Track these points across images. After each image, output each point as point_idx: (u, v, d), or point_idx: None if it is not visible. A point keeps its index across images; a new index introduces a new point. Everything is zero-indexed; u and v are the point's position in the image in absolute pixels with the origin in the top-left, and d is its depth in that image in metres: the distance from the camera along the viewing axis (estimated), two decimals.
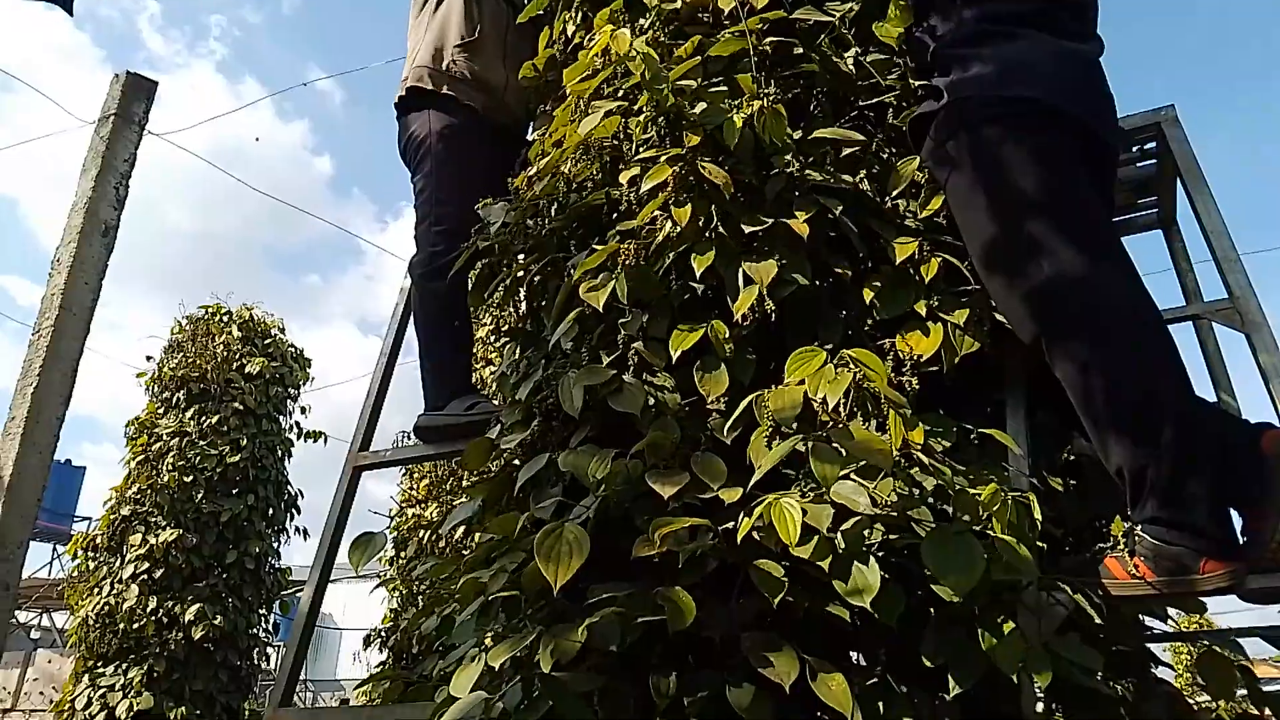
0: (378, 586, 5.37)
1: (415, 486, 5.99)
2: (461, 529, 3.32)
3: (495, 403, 2.17)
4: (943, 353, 1.47)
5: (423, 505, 6.15)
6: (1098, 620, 1.31)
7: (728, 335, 1.52)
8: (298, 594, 9.06)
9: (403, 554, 5.87)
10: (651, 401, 1.55)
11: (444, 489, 5.33)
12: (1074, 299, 1.45)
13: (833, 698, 1.29)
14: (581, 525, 1.37)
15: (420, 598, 5.20)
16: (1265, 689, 1.53)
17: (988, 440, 1.52)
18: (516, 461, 1.75)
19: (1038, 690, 1.38)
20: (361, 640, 4.99)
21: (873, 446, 1.23)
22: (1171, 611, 1.81)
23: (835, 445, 1.25)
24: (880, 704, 1.32)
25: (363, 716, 1.90)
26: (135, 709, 5.45)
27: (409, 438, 5.79)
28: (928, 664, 1.31)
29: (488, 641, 1.50)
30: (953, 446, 1.48)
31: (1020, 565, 1.24)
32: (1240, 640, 1.62)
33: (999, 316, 1.55)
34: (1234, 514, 1.41)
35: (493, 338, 5.35)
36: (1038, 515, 1.29)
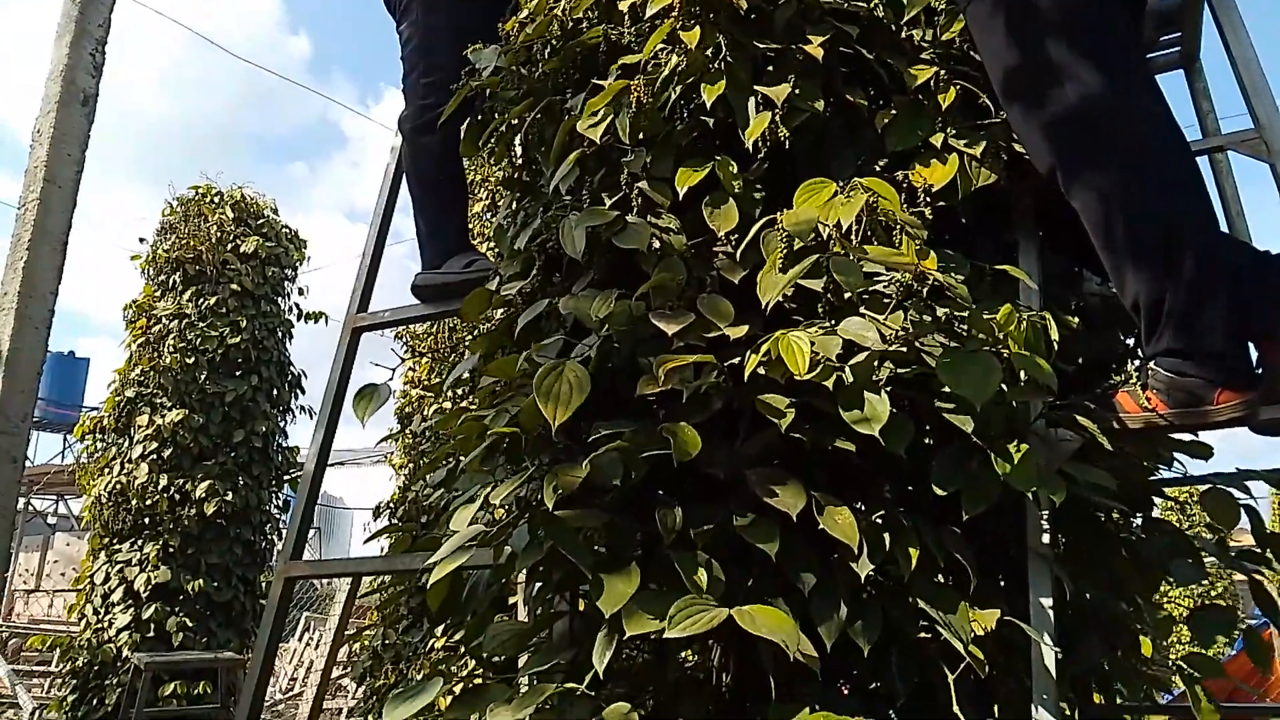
0: (383, 446, 5.43)
1: (418, 366, 6.00)
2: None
3: (492, 260, 2.12)
4: (958, 182, 1.41)
5: (426, 384, 6.18)
6: (1109, 447, 1.30)
7: (736, 171, 1.46)
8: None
9: (408, 431, 5.94)
10: (656, 244, 1.51)
11: (446, 365, 5.34)
12: (1098, 125, 1.39)
13: (839, 531, 1.29)
14: (583, 364, 1.34)
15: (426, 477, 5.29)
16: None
17: (1001, 279, 1.48)
18: (516, 311, 1.72)
19: (1044, 523, 1.39)
20: (371, 513, 5.10)
21: (892, 258, 1.19)
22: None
23: (851, 257, 1.21)
24: (886, 537, 1.32)
25: (369, 565, 1.93)
26: (153, 582, 5.61)
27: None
28: (938, 492, 1.30)
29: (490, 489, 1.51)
30: (965, 283, 1.44)
31: (1039, 377, 1.22)
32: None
33: (1017, 148, 1.48)
34: (1251, 347, 1.38)
35: (487, 215, 5.25)
36: (1054, 335, 1.26)
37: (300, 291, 6.95)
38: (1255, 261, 1.38)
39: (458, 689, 1.46)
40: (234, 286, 6.30)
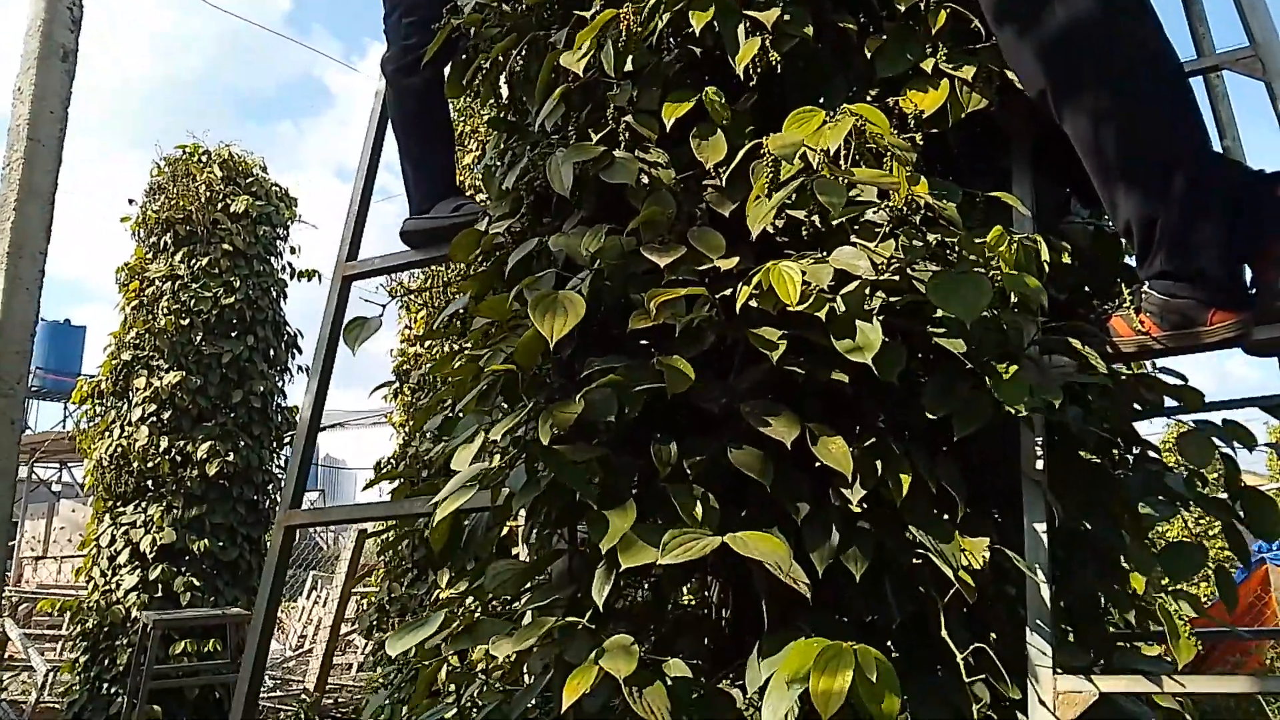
0: (383, 406, 5.44)
1: (413, 322, 5.99)
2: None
3: (480, 203, 2.10)
4: (948, 107, 1.39)
5: (422, 341, 6.17)
6: (1103, 370, 1.30)
7: (724, 101, 1.44)
8: None
9: (405, 388, 5.94)
10: (645, 178, 1.49)
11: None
12: (1089, 46, 1.36)
13: (832, 459, 1.30)
14: (577, 294, 1.33)
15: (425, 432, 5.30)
16: None
17: (993, 205, 1.47)
18: (506, 251, 1.70)
19: (1038, 447, 1.39)
20: (372, 470, 5.12)
21: (879, 179, 1.18)
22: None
23: (837, 180, 1.20)
24: (879, 464, 1.32)
25: (369, 510, 1.94)
26: (158, 543, 5.66)
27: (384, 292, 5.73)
28: (930, 417, 1.30)
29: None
30: (957, 210, 1.43)
31: (1030, 296, 1.21)
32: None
33: (1009, 73, 1.46)
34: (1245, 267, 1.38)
35: (478, 167, 5.20)
36: (1045, 257, 1.25)
37: (292, 250, 6.91)
38: (1250, 181, 1.37)
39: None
40: (226, 246, 6.25)
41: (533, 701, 1.61)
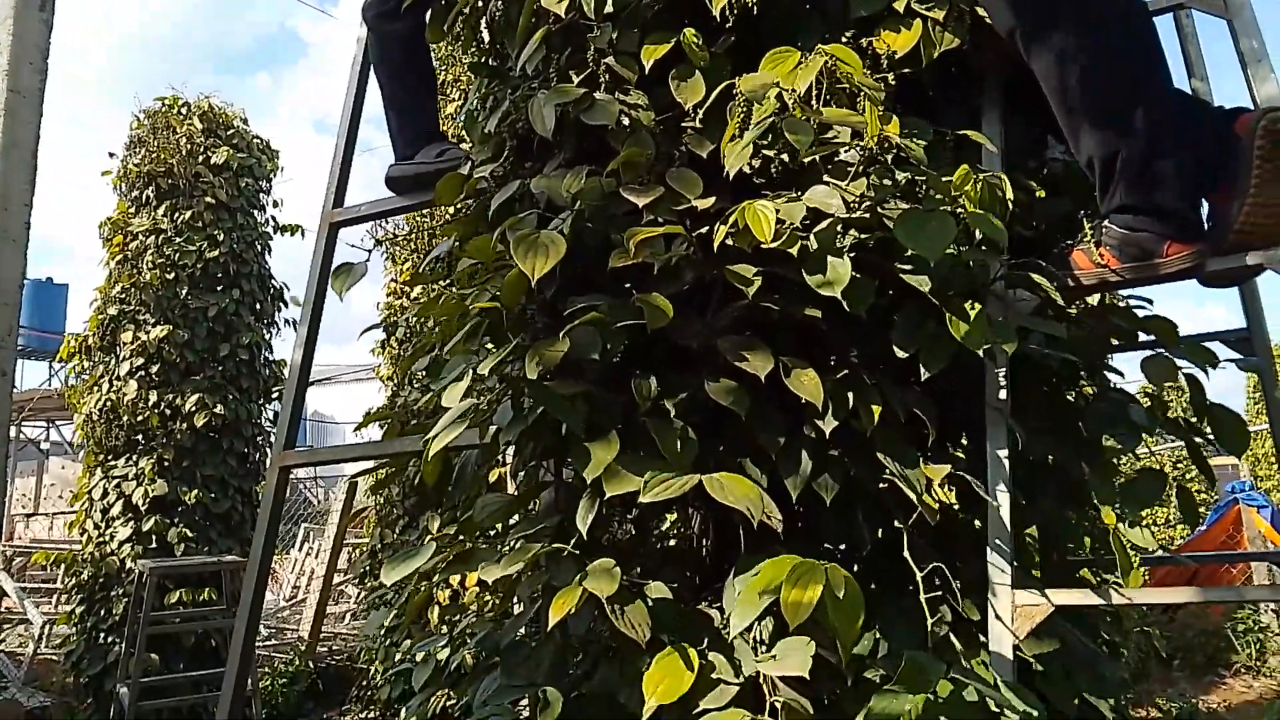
0: (370, 360, 5.47)
1: (399, 274, 6.00)
2: None
3: (464, 148, 2.12)
4: (921, 48, 1.42)
5: (408, 293, 6.18)
6: (1061, 302, 1.35)
7: (702, 43, 1.47)
8: None
9: (393, 340, 5.97)
10: (625, 120, 1.52)
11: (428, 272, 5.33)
12: None
13: (805, 390, 1.35)
14: (559, 234, 1.37)
15: (413, 381, 5.35)
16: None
17: (964, 143, 1.51)
18: (489, 194, 1.74)
19: (1001, 378, 1.45)
20: (361, 416, 5.17)
21: (847, 119, 1.22)
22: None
23: (806, 120, 1.24)
24: (850, 395, 1.38)
25: (360, 450, 1.99)
26: (150, 495, 5.71)
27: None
28: (899, 354, 1.36)
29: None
30: (928, 148, 1.47)
31: (992, 235, 1.26)
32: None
33: (980, 12, 1.49)
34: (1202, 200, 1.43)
35: (460, 115, 5.17)
36: (1009, 195, 1.30)
37: (275, 204, 6.88)
38: (1210, 118, 1.41)
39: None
40: (208, 199, 6.21)
41: (522, 630, 1.68)
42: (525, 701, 1.54)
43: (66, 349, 6.12)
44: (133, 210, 6.15)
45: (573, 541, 1.44)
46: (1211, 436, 1.65)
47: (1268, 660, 8.11)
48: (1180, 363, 1.59)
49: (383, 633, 4.57)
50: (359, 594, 9.17)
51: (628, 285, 1.57)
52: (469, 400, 1.44)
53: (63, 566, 5.91)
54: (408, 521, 4.84)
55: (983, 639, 1.39)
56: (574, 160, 1.54)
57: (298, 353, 2.03)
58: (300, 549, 10.72)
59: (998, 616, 1.35)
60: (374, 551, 5.09)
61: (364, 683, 5.35)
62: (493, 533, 1.80)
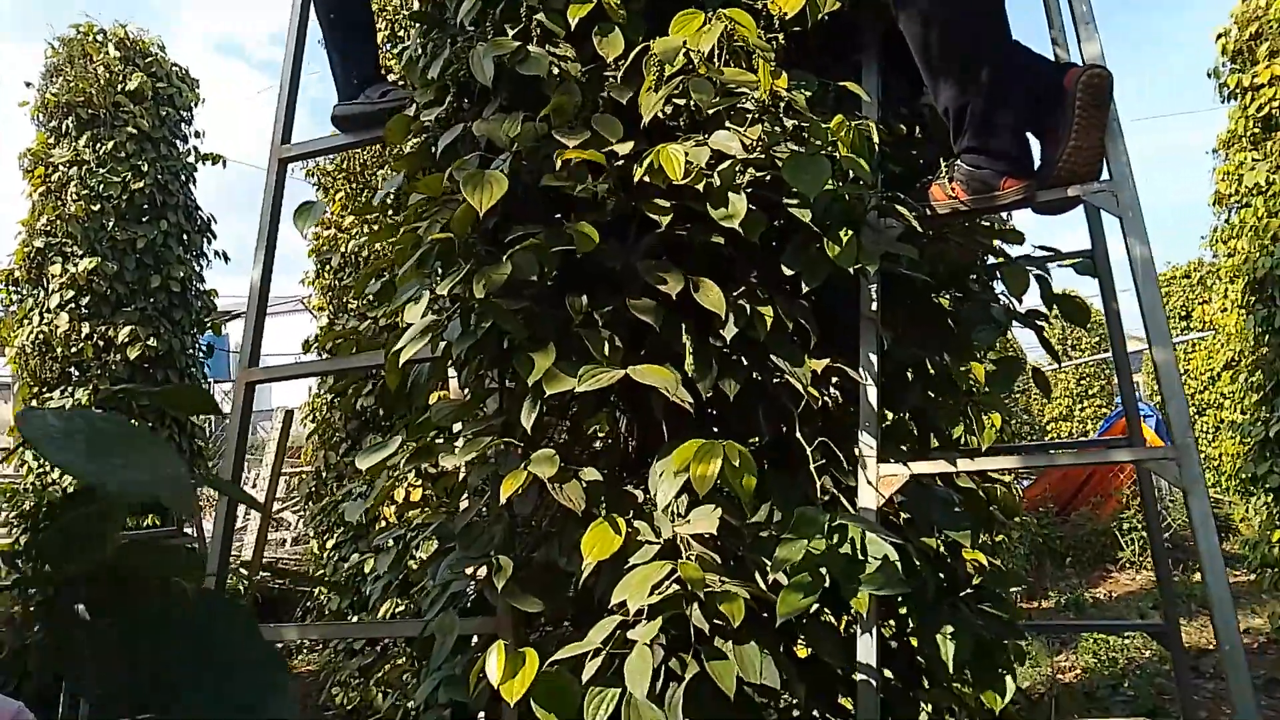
0: (299, 292, 5.58)
1: (331, 203, 6.05)
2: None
3: (405, 89, 2.29)
4: (808, 10, 1.66)
5: (340, 225, 6.25)
6: (919, 230, 1.64)
7: (620, 2, 1.68)
8: (226, 319, 9.26)
9: (325, 270, 6.06)
10: (555, 70, 1.74)
11: (359, 201, 5.43)
12: None
13: (710, 302, 1.63)
14: (500, 173, 1.60)
15: (349, 308, 5.49)
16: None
17: (845, 94, 1.77)
18: (434, 136, 1.94)
19: (873, 292, 1.74)
20: (301, 348, 5.31)
21: (742, 79, 1.46)
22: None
23: (709, 79, 1.48)
24: (747, 307, 1.66)
25: (320, 366, 2.20)
26: None
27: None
28: (786, 272, 1.64)
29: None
30: (814, 98, 1.73)
31: (860, 174, 1.53)
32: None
33: None
34: (1036, 143, 1.72)
35: (387, 45, 5.22)
36: (875, 139, 1.57)
37: (197, 134, 6.81)
38: (1044, 72, 1.70)
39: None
40: (130, 130, 6.14)
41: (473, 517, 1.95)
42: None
43: None
44: (52, 141, 6.05)
45: (517, 435, 1.70)
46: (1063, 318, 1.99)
47: (1149, 555, 8.95)
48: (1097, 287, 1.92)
49: (330, 549, 4.82)
50: (296, 521, 9.36)
51: (559, 216, 1.81)
52: (429, 317, 1.68)
53: (3, 497, 5.96)
54: (350, 445, 5.05)
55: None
56: (510, 106, 1.76)
57: (256, 272, 2.21)
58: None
59: (869, 483, 1.67)
60: (318, 472, 5.29)
61: (308, 603, 5.59)
62: (443, 438, 2.05)
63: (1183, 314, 12.87)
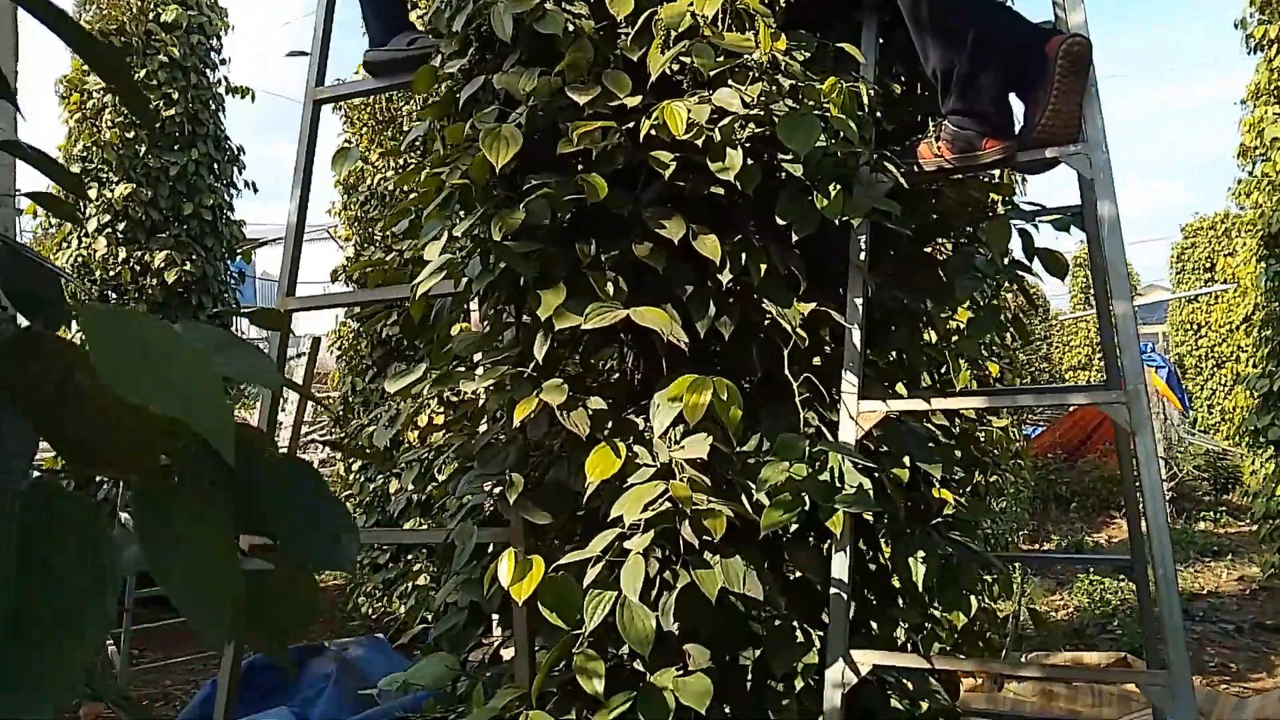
0: (326, 221, 5.74)
1: (358, 136, 6.18)
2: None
3: (432, 38, 2.41)
4: None
5: (366, 158, 6.39)
6: (906, 185, 1.77)
7: None
8: (255, 246, 9.47)
9: (352, 202, 6.22)
10: (571, 27, 1.86)
11: (385, 135, 5.56)
12: None
13: (707, 249, 1.77)
14: (516, 127, 1.74)
15: (375, 239, 5.66)
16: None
17: (843, 54, 1.88)
18: (457, 85, 2.07)
19: (862, 242, 1.88)
20: (329, 278, 5.50)
21: (741, 43, 1.59)
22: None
23: (711, 44, 1.61)
24: (743, 255, 1.80)
25: (351, 297, 2.38)
26: None
27: None
28: (780, 222, 1.78)
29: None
30: (812, 58, 1.84)
31: (849, 133, 1.66)
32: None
33: None
34: (1019, 105, 1.84)
35: None
36: (865, 99, 1.69)
37: (224, 62, 6.91)
38: (1032, 37, 1.80)
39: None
40: (161, 58, 6.26)
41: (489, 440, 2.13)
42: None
43: (30, 207, 6.26)
44: (87, 69, 6.18)
45: (530, 366, 1.87)
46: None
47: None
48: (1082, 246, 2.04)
49: (356, 470, 5.07)
50: (322, 449, 9.70)
51: (572, 160, 1.95)
52: (446, 255, 1.84)
53: None
54: (376, 371, 5.26)
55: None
56: (529, 60, 1.88)
57: (292, 205, 2.37)
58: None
59: (850, 417, 1.83)
60: (345, 398, 5.53)
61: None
62: (464, 367, 2.23)
63: (1207, 266, 12.79)
